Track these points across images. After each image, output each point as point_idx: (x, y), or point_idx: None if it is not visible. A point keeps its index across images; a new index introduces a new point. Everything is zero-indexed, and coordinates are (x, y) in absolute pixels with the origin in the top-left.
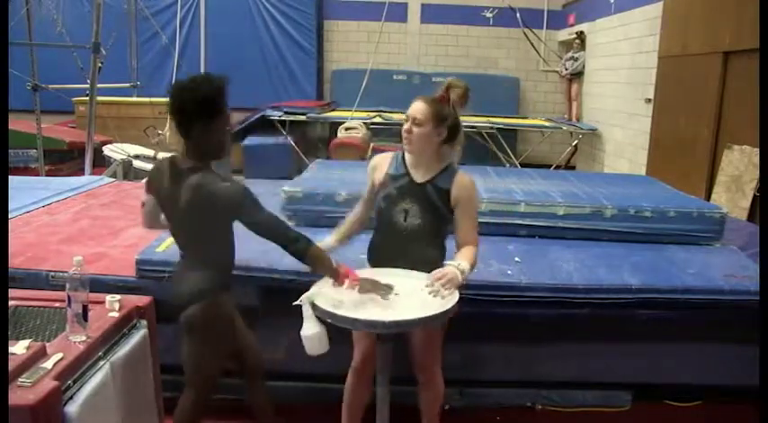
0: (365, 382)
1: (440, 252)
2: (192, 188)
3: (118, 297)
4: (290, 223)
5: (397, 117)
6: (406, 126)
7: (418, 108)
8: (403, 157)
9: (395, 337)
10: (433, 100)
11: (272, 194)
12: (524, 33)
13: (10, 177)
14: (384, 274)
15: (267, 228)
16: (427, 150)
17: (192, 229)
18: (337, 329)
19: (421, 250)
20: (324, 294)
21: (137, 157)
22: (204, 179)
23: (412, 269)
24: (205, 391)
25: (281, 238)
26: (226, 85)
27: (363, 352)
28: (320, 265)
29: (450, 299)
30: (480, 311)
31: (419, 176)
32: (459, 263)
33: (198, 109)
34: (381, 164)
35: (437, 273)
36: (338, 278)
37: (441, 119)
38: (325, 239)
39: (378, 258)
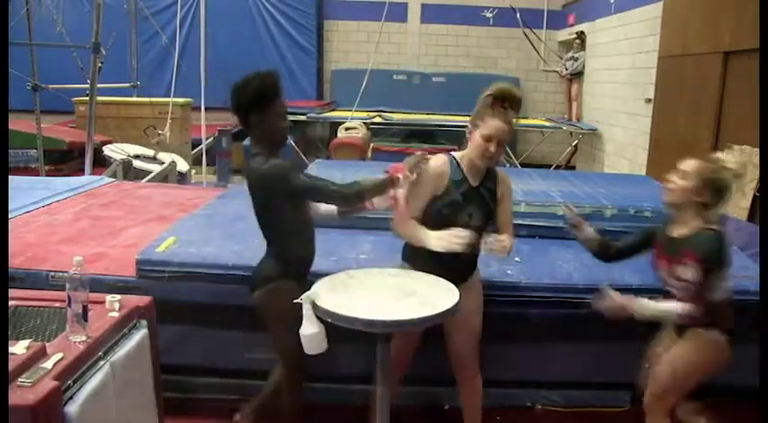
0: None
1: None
2: (248, 172)
3: (118, 297)
4: None
5: (397, 117)
6: (491, 147)
7: (503, 128)
8: (457, 162)
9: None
10: (509, 118)
11: None
12: (524, 33)
13: (10, 177)
14: (384, 275)
15: (315, 192)
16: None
17: (256, 212)
18: (337, 331)
19: (475, 252)
20: (323, 294)
21: (137, 157)
22: (255, 162)
23: (467, 272)
24: (295, 374)
25: (333, 197)
26: (273, 80)
27: (393, 355)
28: (377, 193)
29: (451, 299)
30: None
31: (474, 181)
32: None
33: (247, 103)
34: (441, 171)
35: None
36: (392, 185)
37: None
38: None
39: (438, 264)
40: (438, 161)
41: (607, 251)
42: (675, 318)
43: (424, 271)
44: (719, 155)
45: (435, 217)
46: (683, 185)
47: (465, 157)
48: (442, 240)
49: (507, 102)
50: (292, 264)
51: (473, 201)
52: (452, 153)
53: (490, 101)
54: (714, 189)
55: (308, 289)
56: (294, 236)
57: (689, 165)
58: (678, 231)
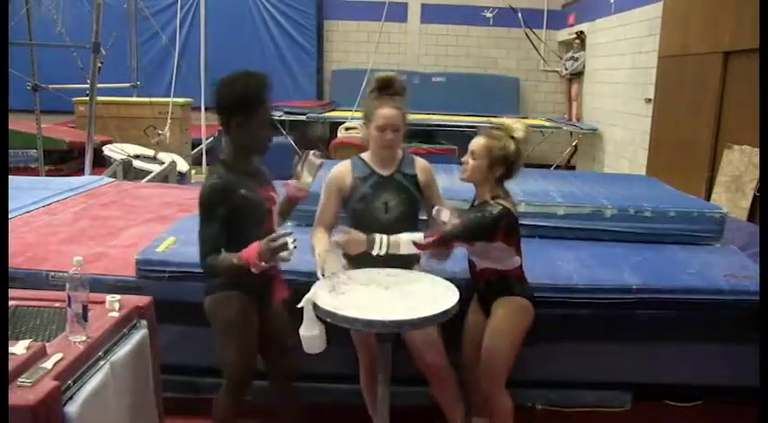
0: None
1: None
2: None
3: (118, 297)
4: (289, 223)
5: None
6: (387, 135)
7: (394, 115)
8: (362, 160)
9: (395, 336)
10: (398, 104)
11: None
12: (524, 33)
13: (10, 177)
14: (383, 275)
15: (200, 240)
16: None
17: None
18: (337, 331)
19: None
20: (322, 295)
21: (137, 157)
22: (212, 170)
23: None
24: (231, 384)
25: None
26: (261, 84)
27: (366, 355)
28: (227, 271)
29: (450, 299)
30: None
31: (386, 171)
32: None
33: (229, 106)
34: (342, 173)
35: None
36: (247, 264)
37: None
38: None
39: (362, 257)
40: (338, 166)
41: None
42: (412, 247)
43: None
44: (505, 121)
45: (352, 216)
46: (476, 165)
47: (369, 152)
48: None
49: (391, 88)
50: (239, 276)
51: (386, 189)
52: (359, 155)
53: (375, 93)
54: (505, 163)
55: (267, 306)
56: (240, 248)
57: (477, 144)
58: (478, 202)
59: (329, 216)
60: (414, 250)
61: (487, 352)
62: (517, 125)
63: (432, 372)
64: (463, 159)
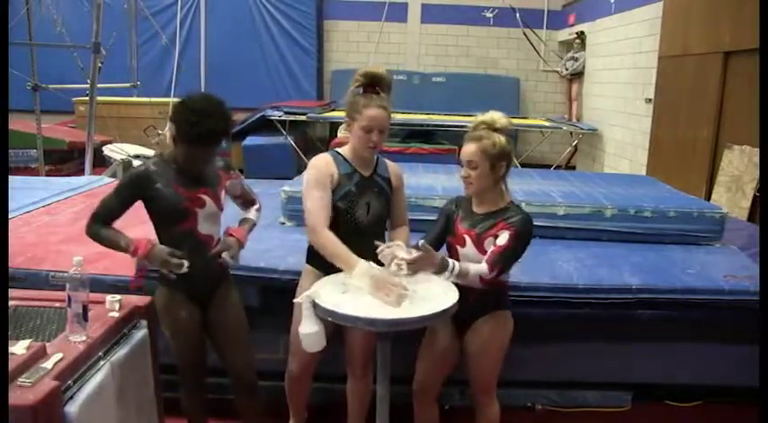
0: (305, 384)
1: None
2: None
3: (118, 297)
4: (289, 224)
5: (397, 117)
6: (373, 137)
7: (381, 116)
8: (342, 156)
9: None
10: (384, 103)
11: (271, 194)
12: (524, 33)
13: (10, 177)
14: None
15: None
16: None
17: None
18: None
19: (380, 241)
20: (323, 293)
21: (137, 157)
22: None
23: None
24: (183, 376)
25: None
26: (207, 120)
27: (302, 362)
28: (107, 243)
29: (450, 298)
30: None
31: (365, 171)
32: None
33: (173, 125)
34: (330, 166)
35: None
36: (131, 253)
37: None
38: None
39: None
40: (323, 159)
41: None
42: (477, 282)
43: (332, 270)
44: (480, 118)
45: (333, 212)
46: (480, 173)
47: (349, 150)
48: (367, 278)
49: (377, 86)
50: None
51: (369, 190)
52: (336, 149)
53: (361, 89)
54: (505, 158)
55: (214, 304)
56: (164, 244)
57: (470, 153)
58: (485, 208)
59: (328, 214)
60: (478, 285)
61: (479, 369)
62: (495, 116)
63: (352, 364)
64: (462, 175)
